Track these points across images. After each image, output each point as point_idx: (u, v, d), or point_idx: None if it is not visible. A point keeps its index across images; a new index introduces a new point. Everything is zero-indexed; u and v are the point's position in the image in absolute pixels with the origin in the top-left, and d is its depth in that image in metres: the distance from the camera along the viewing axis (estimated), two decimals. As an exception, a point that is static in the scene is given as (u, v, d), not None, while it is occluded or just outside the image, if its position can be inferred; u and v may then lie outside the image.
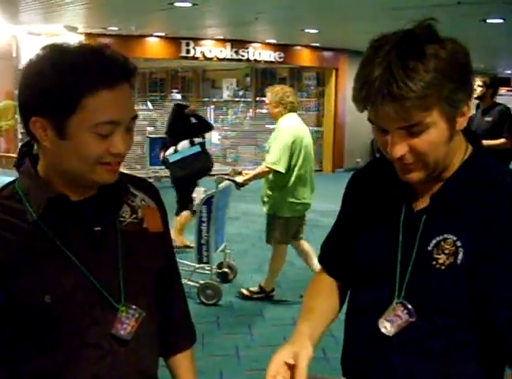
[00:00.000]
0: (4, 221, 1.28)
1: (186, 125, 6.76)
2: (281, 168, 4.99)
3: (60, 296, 1.27)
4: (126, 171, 1.45)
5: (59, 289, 1.27)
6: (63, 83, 1.19)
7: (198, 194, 5.35)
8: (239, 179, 5.39)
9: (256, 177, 5.32)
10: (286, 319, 4.97)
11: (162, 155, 6.88)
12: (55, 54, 1.23)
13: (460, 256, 1.20)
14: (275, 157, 5.00)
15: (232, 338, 4.61)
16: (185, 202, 6.94)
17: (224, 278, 5.94)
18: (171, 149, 6.66)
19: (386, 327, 1.29)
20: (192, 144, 6.70)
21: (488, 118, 6.16)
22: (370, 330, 1.32)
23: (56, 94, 1.20)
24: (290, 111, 5.17)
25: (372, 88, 1.14)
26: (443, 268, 1.21)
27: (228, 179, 5.61)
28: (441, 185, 1.28)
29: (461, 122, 1.22)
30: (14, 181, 1.36)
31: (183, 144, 6.63)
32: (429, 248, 1.24)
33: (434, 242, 1.24)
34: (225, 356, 4.29)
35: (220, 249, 5.84)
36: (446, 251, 1.22)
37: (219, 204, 5.56)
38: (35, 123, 1.24)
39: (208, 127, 7.37)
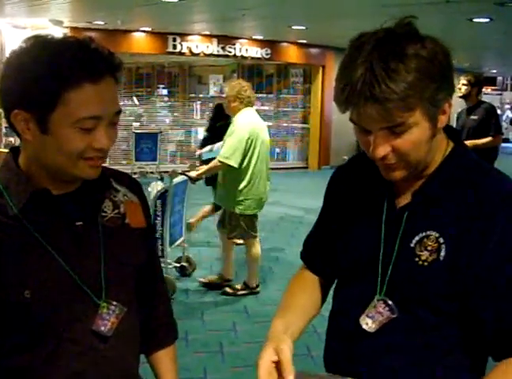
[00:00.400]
0: None
1: (226, 126, 6.99)
2: (234, 163, 5.01)
3: (40, 291, 1.24)
4: (110, 166, 1.43)
5: (39, 284, 1.25)
6: (45, 76, 1.17)
7: (153, 189, 5.37)
8: (193, 174, 5.45)
9: (209, 171, 5.41)
10: (270, 316, 4.90)
11: (199, 151, 7.09)
12: (38, 46, 1.21)
13: (442, 252, 1.21)
14: (228, 152, 5.03)
15: (216, 335, 4.60)
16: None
17: (183, 272, 5.96)
18: (208, 147, 6.79)
19: (368, 323, 1.29)
20: None
21: (474, 117, 6.18)
22: (352, 327, 1.32)
23: (38, 87, 1.17)
24: (247, 106, 5.19)
25: (354, 90, 1.14)
26: (426, 264, 1.22)
27: (182, 174, 5.65)
28: (423, 181, 1.28)
29: (443, 120, 1.23)
30: None
31: (218, 146, 6.74)
32: (411, 245, 1.25)
33: (416, 238, 1.24)
34: (209, 353, 4.27)
35: (178, 243, 5.82)
36: (429, 248, 1.22)
37: (175, 199, 5.58)
38: (17, 116, 1.21)
39: None
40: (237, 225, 5.27)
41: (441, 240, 1.22)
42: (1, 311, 1.25)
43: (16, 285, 1.23)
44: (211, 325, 4.78)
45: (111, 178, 1.42)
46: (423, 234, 1.24)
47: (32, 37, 1.23)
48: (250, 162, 5.11)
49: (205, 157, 6.74)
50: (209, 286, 5.58)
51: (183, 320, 4.70)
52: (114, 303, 1.32)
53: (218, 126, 6.94)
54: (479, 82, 6.36)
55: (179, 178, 5.66)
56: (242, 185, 5.13)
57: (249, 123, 5.13)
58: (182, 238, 5.95)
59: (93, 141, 1.22)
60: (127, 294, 1.39)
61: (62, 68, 1.17)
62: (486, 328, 1.22)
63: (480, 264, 1.18)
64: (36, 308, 1.25)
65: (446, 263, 1.20)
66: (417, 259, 1.23)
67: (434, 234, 1.23)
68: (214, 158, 6.59)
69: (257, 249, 5.43)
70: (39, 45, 1.21)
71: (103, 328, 1.31)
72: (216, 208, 6.91)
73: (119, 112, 1.28)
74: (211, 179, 6.38)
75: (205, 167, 5.45)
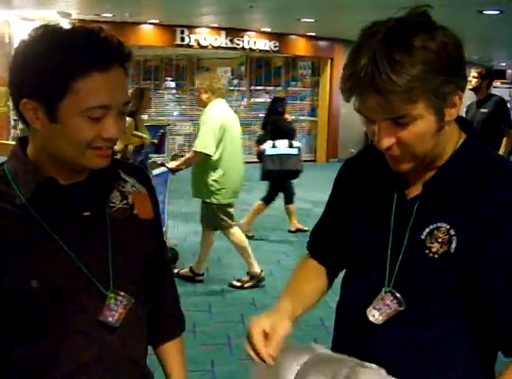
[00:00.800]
0: None
1: (281, 122, 7.22)
2: (211, 151, 5.08)
3: (47, 281, 1.25)
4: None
5: (46, 274, 1.25)
6: (55, 65, 1.17)
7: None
8: (172, 165, 5.52)
9: (187, 162, 5.45)
10: (278, 308, 4.96)
11: (257, 148, 7.43)
12: (48, 36, 1.21)
13: (453, 244, 1.19)
14: (204, 141, 5.10)
15: (224, 327, 4.60)
16: (272, 194, 7.35)
17: None
18: (270, 143, 7.06)
19: (375, 315, 1.28)
20: (291, 146, 7.15)
21: (484, 110, 6.12)
22: (359, 319, 1.31)
23: (47, 76, 1.17)
24: (218, 97, 5.25)
25: (357, 79, 1.13)
26: (436, 256, 1.21)
27: (161, 165, 5.76)
28: (434, 172, 1.27)
29: (452, 113, 1.21)
30: (2, 163, 1.33)
31: (282, 143, 7.07)
32: (422, 236, 1.23)
33: (427, 230, 1.23)
34: (217, 345, 4.28)
35: None
36: (440, 240, 1.21)
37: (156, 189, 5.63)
38: (26, 105, 1.21)
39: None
40: (213, 215, 5.33)
41: (452, 232, 1.20)
42: (10, 301, 1.25)
43: (23, 274, 1.24)
44: (218, 317, 4.79)
45: (120, 169, 1.42)
46: (434, 225, 1.23)
47: (41, 27, 1.23)
48: (223, 151, 5.19)
49: (268, 152, 7.01)
50: (178, 276, 5.53)
51: (191, 312, 4.71)
52: (122, 294, 1.32)
53: (272, 121, 7.21)
54: (489, 75, 6.30)
55: (159, 170, 5.71)
56: (217, 175, 5.20)
57: (220, 113, 5.22)
58: (163, 229, 5.97)
59: (102, 131, 1.22)
60: (135, 285, 1.39)
61: (71, 57, 1.17)
62: (495, 323, 1.21)
63: (491, 257, 1.17)
64: (43, 297, 1.25)
65: (457, 255, 1.19)
66: (427, 251, 1.22)
67: (445, 225, 1.21)
68: (278, 155, 6.96)
69: (238, 235, 5.47)
70: (48, 34, 1.21)
71: (110, 319, 1.30)
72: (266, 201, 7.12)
73: (128, 102, 1.28)
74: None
75: (182, 159, 5.52)
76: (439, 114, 1.18)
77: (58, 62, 1.17)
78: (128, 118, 5.48)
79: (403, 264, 1.26)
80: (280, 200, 7.63)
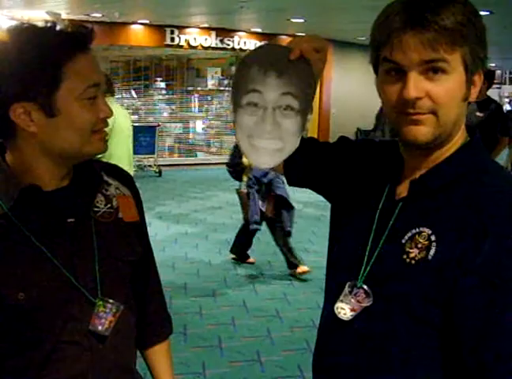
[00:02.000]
0: None
1: None
2: None
3: (33, 293, 1.21)
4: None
5: (33, 285, 1.21)
6: (40, 59, 1.16)
7: None
8: None
9: None
10: (269, 310, 4.95)
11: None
12: (21, 36, 1.19)
13: (432, 251, 1.11)
14: None
15: (215, 329, 4.58)
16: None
17: None
18: None
19: (344, 308, 1.22)
20: None
21: (480, 114, 6.02)
22: (329, 315, 1.26)
23: (37, 72, 1.16)
24: (106, 93, 5.29)
25: (400, 16, 1.09)
26: (413, 262, 1.13)
27: None
28: (425, 171, 1.20)
29: (473, 93, 1.16)
30: None
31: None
32: (403, 240, 1.16)
33: (409, 234, 1.16)
34: (208, 347, 4.25)
35: None
36: (419, 245, 1.13)
37: None
38: (16, 110, 1.18)
39: None
40: None
41: (432, 238, 1.12)
42: None
43: (9, 287, 1.20)
44: (209, 320, 4.76)
45: (102, 171, 1.39)
46: (416, 230, 1.15)
47: (9, 31, 1.20)
48: (111, 146, 5.19)
49: None
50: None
51: (181, 314, 4.68)
52: (111, 301, 1.29)
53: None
54: (489, 76, 6.20)
55: None
56: None
57: None
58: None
59: (98, 112, 1.23)
60: (123, 290, 1.36)
61: (52, 46, 1.17)
62: (463, 350, 1.09)
63: (468, 271, 1.07)
64: (31, 310, 1.22)
65: (433, 263, 1.10)
66: (405, 256, 1.14)
67: (426, 230, 1.14)
68: None
69: None
70: (22, 34, 1.19)
71: (100, 328, 1.27)
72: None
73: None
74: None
75: None
76: (469, 78, 1.13)
77: (43, 55, 1.16)
78: None
79: (376, 267, 1.20)
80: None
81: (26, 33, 1.19)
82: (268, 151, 1.27)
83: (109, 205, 1.36)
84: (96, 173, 1.35)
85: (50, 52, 1.16)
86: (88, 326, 1.27)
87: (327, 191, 1.48)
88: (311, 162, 1.48)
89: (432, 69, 1.11)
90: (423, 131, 1.14)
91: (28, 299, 1.20)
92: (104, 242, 1.31)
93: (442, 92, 1.11)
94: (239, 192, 5.95)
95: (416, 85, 1.11)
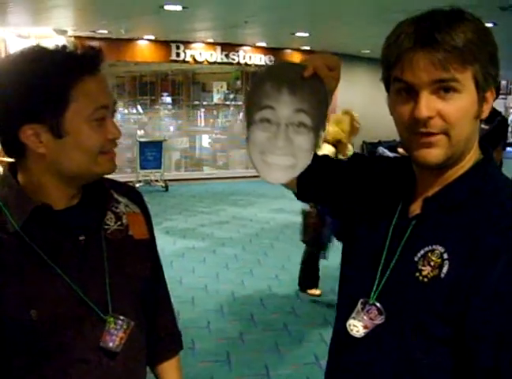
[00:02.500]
0: None
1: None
2: None
3: (46, 310, 1.22)
4: (115, 175, 1.43)
5: (45, 303, 1.22)
6: (50, 81, 1.18)
7: None
8: None
9: None
10: (278, 324, 4.94)
11: None
12: (32, 58, 1.21)
13: (444, 269, 1.12)
14: None
15: (223, 343, 4.57)
16: None
17: None
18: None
19: (357, 326, 1.22)
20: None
21: (485, 126, 6.02)
22: (342, 331, 1.27)
23: (46, 94, 1.18)
24: None
25: (411, 36, 1.10)
26: (426, 280, 1.14)
27: None
28: (439, 189, 1.20)
29: (485, 110, 1.16)
30: None
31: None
32: (415, 258, 1.17)
33: (422, 252, 1.16)
34: (216, 362, 4.24)
35: None
36: (432, 263, 1.14)
37: None
38: (26, 132, 1.21)
39: None
40: None
41: (445, 256, 1.13)
42: (7, 331, 1.23)
43: (21, 305, 1.21)
44: (217, 334, 4.76)
45: (112, 190, 1.40)
46: (429, 248, 1.16)
47: (17, 55, 1.23)
48: None
49: None
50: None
51: (189, 328, 4.67)
52: (122, 318, 1.30)
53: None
54: (496, 89, 6.22)
55: None
56: None
57: None
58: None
59: (107, 133, 1.25)
60: (133, 307, 1.37)
61: (61, 69, 1.19)
62: (476, 365, 1.09)
63: (480, 290, 1.07)
64: (43, 327, 1.22)
65: (446, 281, 1.11)
66: (418, 274, 1.15)
67: (439, 248, 1.14)
68: None
69: None
70: (27, 57, 1.22)
71: (111, 344, 1.28)
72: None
73: (115, 102, 1.30)
74: None
75: None
76: (480, 96, 1.13)
77: (51, 78, 1.18)
78: None
79: (389, 284, 1.20)
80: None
81: (36, 55, 1.21)
82: (280, 167, 1.28)
83: (119, 223, 1.37)
84: (106, 191, 1.37)
85: (59, 75, 1.19)
86: (99, 343, 1.27)
87: (339, 208, 1.48)
88: (324, 179, 1.49)
89: (443, 88, 1.10)
90: (434, 153, 1.14)
91: (39, 316, 1.21)
92: (115, 259, 1.32)
93: (454, 111, 1.11)
94: (306, 212, 5.38)
95: (428, 104, 1.10)
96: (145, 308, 1.45)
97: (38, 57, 1.21)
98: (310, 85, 1.27)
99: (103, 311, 1.28)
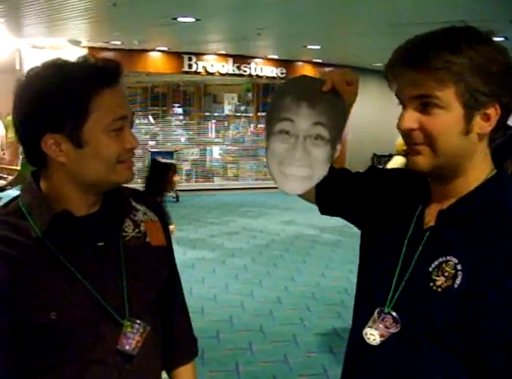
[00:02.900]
0: (8, 238, 1.27)
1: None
2: None
3: (65, 312, 1.26)
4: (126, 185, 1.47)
5: (64, 305, 1.26)
6: (71, 93, 1.22)
7: None
8: None
9: None
10: (286, 335, 4.94)
11: None
12: (53, 70, 1.26)
13: (458, 280, 1.16)
14: None
15: (232, 353, 4.58)
16: None
17: None
18: None
19: (373, 334, 1.26)
20: None
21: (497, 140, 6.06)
22: (357, 340, 1.30)
23: (66, 105, 1.22)
24: None
25: (398, 55, 1.19)
26: (440, 290, 1.17)
27: None
28: (454, 200, 1.23)
29: (484, 127, 1.19)
30: (17, 197, 1.36)
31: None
32: (430, 269, 1.20)
33: (436, 263, 1.20)
34: (225, 372, 4.26)
35: None
36: (446, 274, 1.18)
37: None
38: (48, 142, 1.25)
39: None
40: None
41: (459, 267, 1.17)
42: (28, 334, 1.26)
43: (42, 307, 1.25)
44: (227, 344, 4.77)
45: (130, 198, 1.44)
46: (443, 258, 1.19)
47: (38, 68, 1.28)
48: None
49: None
50: None
51: (199, 338, 4.67)
52: (138, 322, 1.33)
53: None
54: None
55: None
56: None
57: None
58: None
59: (125, 143, 1.29)
60: (150, 312, 1.41)
61: (82, 81, 1.24)
62: (487, 376, 1.13)
63: (492, 301, 1.11)
64: (62, 329, 1.26)
65: (459, 291, 1.15)
66: (432, 284, 1.19)
67: (453, 260, 1.18)
68: None
69: None
70: (48, 69, 1.27)
71: (127, 347, 1.31)
72: None
73: (133, 113, 1.34)
74: None
75: None
76: (469, 113, 1.17)
77: (72, 90, 1.23)
78: None
79: (404, 294, 1.24)
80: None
81: (58, 68, 1.26)
82: (297, 177, 1.32)
83: (137, 230, 1.41)
84: (125, 199, 1.41)
85: (80, 87, 1.23)
86: (116, 346, 1.31)
87: (358, 219, 1.52)
88: (343, 191, 1.53)
89: (426, 104, 1.17)
90: (420, 160, 1.21)
91: (59, 318, 1.25)
92: (132, 266, 1.36)
93: (436, 125, 1.17)
94: None
95: (409, 117, 1.19)
96: (162, 314, 1.49)
97: (60, 69, 1.26)
98: (329, 99, 1.32)
99: (121, 315, 1.32)
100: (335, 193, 1.53)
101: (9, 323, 1.25)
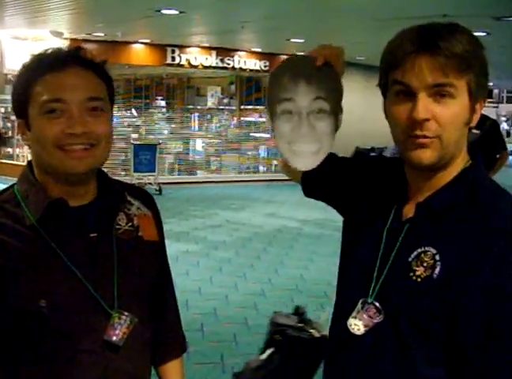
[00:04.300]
0: (2, 225, 1.29)
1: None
2: None
3: (55, 300, 1.27)
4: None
5: (54, 293, 1.28)
6: (22, 81, 1.31)
7: None
8: None
9: None
10: (270, 327, 4.96)
11: None
12: (22, 64, 1.35)
13: (437, 270, 1.17)
14: None
15: (217, 346, 4.60)
16: None
17: None
18: None
19: (357, 324, 1.26)
20: None
21: (476, 131, 6.07)
22: (341, 330, 1.30)
23: (17, 93, 1.32)
24: None
25: (414, 40, 1.15)
26: (419, 280, 1.19)
27: None
28: (431, 193, 1.25)
29: (474, 119, 1.21)
30: (13, 185, 1.37)
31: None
32: (409, 259, 1.22)
33: (415, 253, 1.21)
34: (210, 364, 4.27)
35: None
36: (425, 264, 1.19)
37: None
38: (19, 126, 1.33)
39: None
40: None
41: (437, 257, 1.18)
42: (18, 321, 1.27)
43: (32, 294, 1.26)
44: (211, 337, 4.78)
45: (126, 192, 1.46)
46: (422, 249, 1.21)
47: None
48: None
49: None
50: None
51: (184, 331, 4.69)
52: (126, 313, 1.34)
53: None
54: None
55: None
56: None
57: None
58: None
59: (65, 128, 1.27)
60: (139, 305, 1.41)
61: (32, 69, 1.31)
62: (466, 362, 1.15)
63: (470, 290, 1.13)
64: (51, 317, 1.27)
65: (438, 281, 1.16)
66: (412, 274, 1.20)
67: (431, 250, 1.19)
68: None
69: None
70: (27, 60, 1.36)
71: (114, 338, 1.32)
72: None
73: (94, 98, 1.31)
74: None
75: None
76: (472, 104, 1.19)
77: (25, 78, 1.31)
78: None
79: (386, 285, 1.25)
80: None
81: (28, 61, 1.35)
82: (307, 153, 1.37)
83: (130, 224, 1.42)
84: (119, 193, 1.43)
85: (28, 76, 1.30)
86: (104, 336, 1.32)
87: (340, 205, 1.53)
88: (327, 175, 1.53)
89: (440, 93, 1.16)
90: (427, 154, 1.19)
91: (48, 306, 1.26)
92: (124, 258, 1.37)
93: (448, 116, 1.16)
94: None
95: (425, 107, 1.16)
96: (152, 309, 1.49)
97: (27, 61, 1.35)
98: (324, 73, 1.36)
99: (110, 306, 1.33)
100: (320, 176, 1.53)
101: (3, 311, 1.26)
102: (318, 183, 1.57)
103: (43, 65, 1.29)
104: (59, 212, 1.31)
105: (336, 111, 1.37)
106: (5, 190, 1.38)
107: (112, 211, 1.40)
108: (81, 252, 1.32)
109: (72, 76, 1.29)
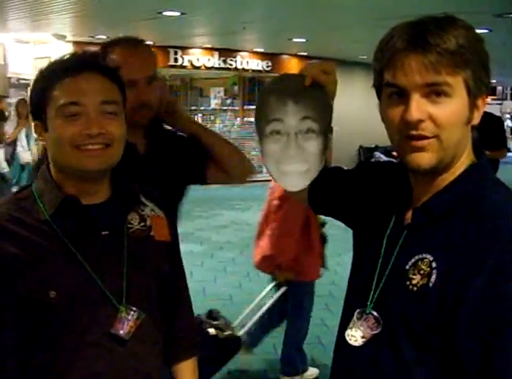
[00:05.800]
0: (18, 219, 1.35)
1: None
2: None
3: (64, 292, 1.32)
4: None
5: (64, 285, 1.33)
6: (41, 85, 1.38)
7: None
8: None
9: None
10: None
11: None
12: (40, 69, 1.41)
13: (433, 278, 1.11)
14: None
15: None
16: None
17: None
18: None
19: (354, 335, 1.24)
20: None
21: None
22: (340, 340, 1.30)
23: (38, 96, 1.37)
24: None
25: (403, 38, 1.10)
26: (415, 289, 1.14)
27: None
28: (430, 196, 1.20)
29: (475, 117, 1.16)
30: (31, 184, 1.44)
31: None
32: (406, 267, 1.17)
33: (412, 260, 1.16)
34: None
35: None
36: (421, 272, 1.14)
37: None
38: (36, 128, 1.38)
39: None
40: None
41: (434, 264, 1.12)
42: (28, 311, 1.32)
43: (42, 285, 1.31)
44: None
45: (141, 194, 1.51)
46: (419, 256, 1.15)
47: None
48: None
49: None
50: None
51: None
52: (134, 309, 1.39)
53: None
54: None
55: None
56: None
57: None
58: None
59: (82, 129, 1.33)
60: (148, 301, 1.45)
61: (50, 74, 1.38)
62: (463, 368, 1.08)
63: (465, 301, 1.06)
64: (59, 308, 1.32)
65: (434, 289, 1.11)
66: (408, 282, 1.15)
67: (429, 257, 1.14)
68: None
69: None
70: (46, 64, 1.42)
71: (121, 332, 1.37)
72: None
73: (109, 102, 1.37)
74: None
75: None
76: (471, 101, 1.13)
77: (43, 82, 1.38)
78: None
79: (383, 294, 1.22)
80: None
81: (45, 66, 1.41)
82: (296, 174, 1.37)
83: (142, 224, 1.47)
84: (134, 194, 1.48)
85: (47, 80, 1.37)
86: (111, 329, 1.36)
87: (349, 219, 1.49)
88: (333, 192, 1.52)
89: (435, 92, 1.11)
90: (426, 157, 1.14)
91: (58, 298, 1.31)
92: (134, 256, 1.42)
93: (445, 116, 1.11)
94: None
95: (419, 107, 1.10)
96: (166, 309, 1.54)
97: (44, 66, 1.41)
98: (312, 93, 1.35)
99: (118, 301, 1.37)
100: (326, 194, 1.53)
101: (15, 300, 1.31)
102: (325, 201, 1.55)
103: (61, 70, 1.36)
104: (72, 209, 1.37)
105: (325, 131, 1.37)
106: (24, 188, 1.46)
107: (125, 210, 1.46)
108: (92, 248, 1.37)
109: (88, 81, 1.35)
